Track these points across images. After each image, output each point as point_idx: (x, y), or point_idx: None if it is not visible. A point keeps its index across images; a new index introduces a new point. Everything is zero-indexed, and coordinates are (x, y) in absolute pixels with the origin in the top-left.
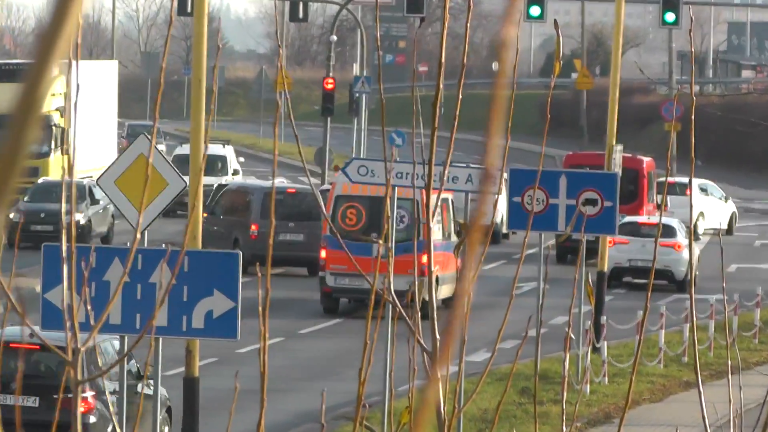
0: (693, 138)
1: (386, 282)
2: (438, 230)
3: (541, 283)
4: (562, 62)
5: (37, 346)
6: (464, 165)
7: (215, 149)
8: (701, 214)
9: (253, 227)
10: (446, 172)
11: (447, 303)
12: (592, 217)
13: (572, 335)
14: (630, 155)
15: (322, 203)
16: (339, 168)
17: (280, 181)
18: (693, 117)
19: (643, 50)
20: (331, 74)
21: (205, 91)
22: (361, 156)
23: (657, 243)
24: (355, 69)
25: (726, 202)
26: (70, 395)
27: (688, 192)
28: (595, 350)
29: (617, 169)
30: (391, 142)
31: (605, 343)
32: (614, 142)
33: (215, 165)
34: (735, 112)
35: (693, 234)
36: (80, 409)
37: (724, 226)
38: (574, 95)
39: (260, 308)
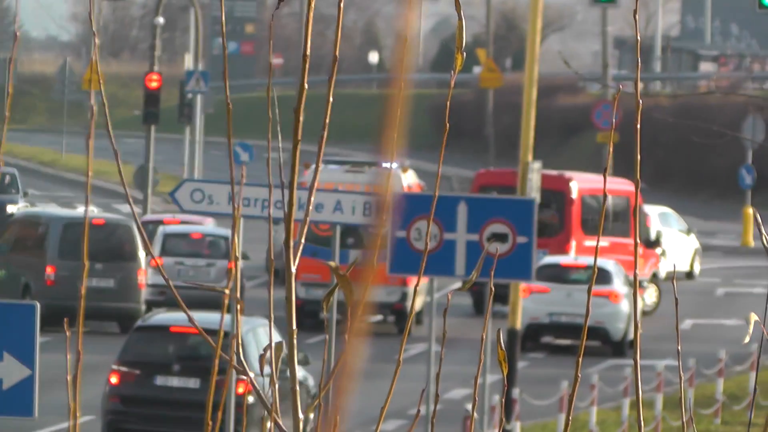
0: (638, 153)
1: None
2: None
3: (432, 344)
4: (465, 53)
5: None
6: (333, 189)
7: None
8: (662, 252)
9: (50, 270)
10: (311, 197)
11: None
12: (502, 257)
13: (476, 414)
14: (556, 174)
15: (146, 239)
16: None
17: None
18: (639, 125)
19: (570, 36)
20: (156, 68)
21: None
22: (195, 176)
23: (590, 291)
24: (188, 61)
25: (688, 235)
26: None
27: (647, 222)
28: None
29: (534, 194)
30: (236, 158)
31: (518, 424)
32: (530, 157)
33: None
34: (691, 117)
35: (636, 279)
36: (239, 390)
37: (685, 268)
38: (476, 96)
39: (69, 377)
